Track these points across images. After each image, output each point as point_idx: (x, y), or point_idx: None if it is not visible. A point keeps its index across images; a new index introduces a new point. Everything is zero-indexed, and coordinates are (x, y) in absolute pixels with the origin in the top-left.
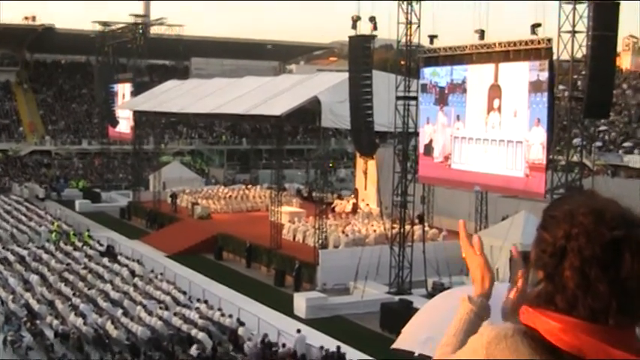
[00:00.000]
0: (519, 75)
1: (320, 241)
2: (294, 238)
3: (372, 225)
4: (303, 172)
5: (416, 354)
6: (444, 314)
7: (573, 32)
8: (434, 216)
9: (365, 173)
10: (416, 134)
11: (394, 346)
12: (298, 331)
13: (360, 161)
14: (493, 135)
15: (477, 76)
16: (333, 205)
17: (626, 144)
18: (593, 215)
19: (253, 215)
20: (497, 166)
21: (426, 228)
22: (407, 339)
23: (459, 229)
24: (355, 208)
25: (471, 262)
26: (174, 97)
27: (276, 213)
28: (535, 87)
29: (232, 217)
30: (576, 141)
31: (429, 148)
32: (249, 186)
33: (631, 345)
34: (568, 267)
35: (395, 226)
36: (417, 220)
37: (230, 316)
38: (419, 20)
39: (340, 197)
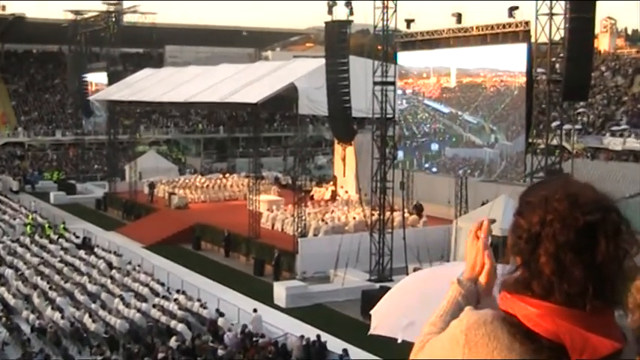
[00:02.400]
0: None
1: (299, 230)
2: (272, 227)
3: (352, 212)
4: (281, 159)
5: (399, 340)
6: (425, 297)
7: (551, 15)
8: (413, 201)
9: (343, 160)
10: (394, 120)
11: (372, 332)
12: (254, 310)
13: (338, 148)
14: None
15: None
16: (311, 193)
17: (616, 127)
18: (567, 200)
19: (231, 204)
20: None
21: (406, 214)
22: (385, 324)
23: (476, 223)
24: (334, 196)
25: (470, 244)
26: (148, 85)
27: (254, 202)
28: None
29: (210, 206)
30: (555, 124)
31: None
32: (227, 175)
33: (609, 330)
34: (543, 253)
35: (374, 212)
36: (413, 211)
37: (208, 306)
38: (395, 4)
39: (319, 185)
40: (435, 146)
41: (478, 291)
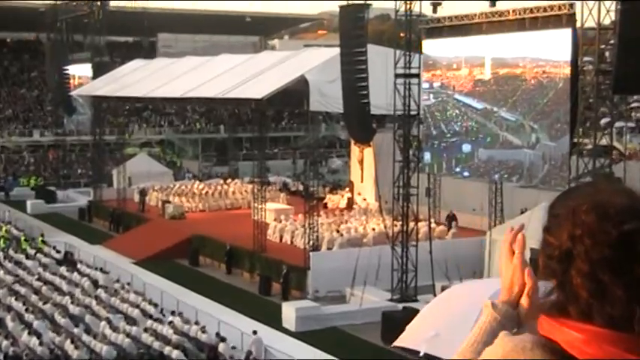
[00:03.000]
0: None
1: (311, 242)
2: (280, 239)
3: (371, 222)
4: (289, 162)
5: (421, 353)
6: (453, 309)
7: None
8: (441, 210)
9: (361, 163)
10: (418, 117)
11: (395, 343)
12: (254, 332)
13: (355, 149)
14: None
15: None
16: (325, 201)
17: None
18: (595, 212)
19: (233, 214)
20: None
21: (433, 224)
22: (410, 336)
23: (507, 232)
24: (351, 204)
25: (505, 261)
26: (139, 79)
27: (259, 211)
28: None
29: (209, 216)
30: (605, 121)
31: None
32: (228, 180)
33: None
34: (576, 274)
35: (397, 223)
36: (446, 222)
37: (207, 330)
38: None
39: (333, 191)
40: (466, 147)
41: (519, 316)
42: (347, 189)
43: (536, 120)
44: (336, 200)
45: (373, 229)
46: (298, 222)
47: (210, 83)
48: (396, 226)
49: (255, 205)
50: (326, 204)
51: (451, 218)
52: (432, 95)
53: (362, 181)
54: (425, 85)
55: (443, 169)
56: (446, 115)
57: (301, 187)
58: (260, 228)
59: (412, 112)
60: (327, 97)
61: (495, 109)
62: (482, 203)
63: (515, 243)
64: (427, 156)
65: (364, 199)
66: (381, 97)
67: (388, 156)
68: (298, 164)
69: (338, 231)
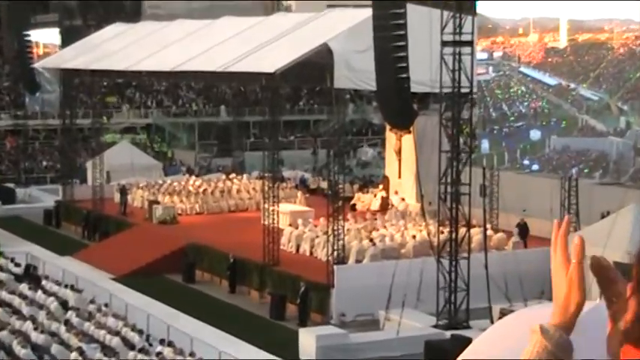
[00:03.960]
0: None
1: (335, 253)
2: (297, 250)
3: (411, 229)
4: (309, 153)
5: None
6: (516, 340)
7: None
8: (499, 214)
9: (398, 154)
10: (472, 96)
11: None
12: None
13: (391, 137)
14: None
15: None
16: (353, 202)
17: None
18: None
19: (238, 217)
20: None
21: (489, 231)
22: None
23: (554, 229)
24: (385, 205)
25: (556, 272)
26: (119, 48)
27: (271, 214)
28: None
29: (208, 220)
30: None
31: None
32: (232, 175)
33: None
34: None
35: (443, 229)
36: (516, 232)
37: None
38: None
39: (363, 189)
40: (535, 134)
41: (571, 343)
42: (381, 186)
43: (625, 99)
44: (368, 201)
45: (414, 237)
46: (319, 228)
47: (209, 54)
48: (442, 233)
49: (266, 206)
50: (354, 205)
51: (522, 228)
52: (490, 68)
53: (399, 177)
54: (481, 56)
55: (505, 161)
56: (509, 92)
57: (323, 185)
58: (272, 235)
59: (464, 90)
60: (356, 71)
61: (573, 85)
62: (551, 204)
63: (575, 249)
64: (484, 145)
65: (402, 200)
66: (425, 71)
67: (433, 145)
68: (320, 155)
69: (370, 239)
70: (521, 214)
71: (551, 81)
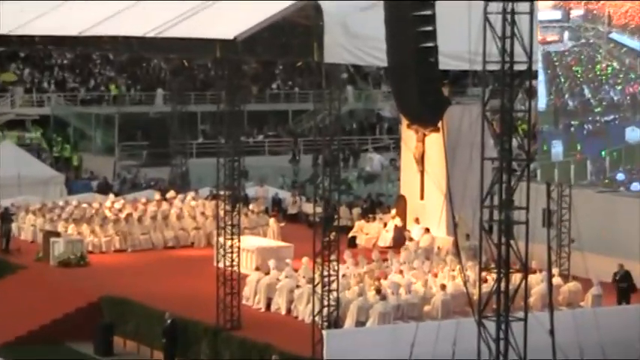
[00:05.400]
0: None
1: (325, 312)
2: (267, 306)
3: (440, 273)
4: (286, 160)
5: None
6: None
7: None
8: (571, 253)
9: (420, 163)
10: (530, 73)
11: None
12: None
13: (409, 137)
14: None
15: None
16: (353, 233)
17: None
18: None
19: (179, 257)
20: None
21: (557, 279)
22: None
23: None
24: (401, 240)
25: None
26: None
27: (229, 252)
28: None
29: (134, 261)
30: None
31: None
32: (171, 194)
33: None
34: None
35: (488, 275)
36: (615, 284)
37: None
38: None
39: (369, 215)
40: (634, 133)
41: None
42: (394, 211)
43: None
44: (374, 232)
45: (443, 288)
46: (301, 273)
47: (135, 11)
48: (486, 281)
49: (221, 240)
50: (355, 239)
51: (624, 279)
52: (566, 34)
53: (422, 198)
54: (550, 15)
55: (586, 174)
56: (593, 70)
57: (307, 208)
58: (230, 284)
59: (519, 67)
60: (357, 37)
61: None
62: None
63: None
64: (555, 149)
65: (426, 231)
66: (459, 39)
67: (472, 150)
68: (302, 164)
69: (377, 290)
70: (609, 255)
71: None
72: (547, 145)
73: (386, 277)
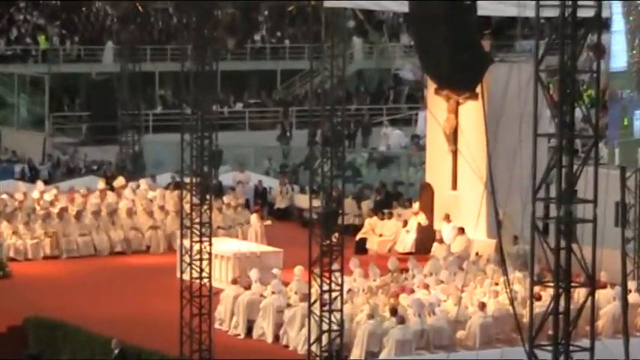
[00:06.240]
0: None
1: (325, 338)
2: (249, 331)
3: (478, 288)
4: (273, 138)
5: None
6: None
7: None
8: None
9: (451, 139)
10: (599, 27)
11: None
12: None
13: (438, 106)
14: None
15: None
16: (362, 235)
17: None
18: None
19: (130, 266)
20: None
21: (633, 294)
22: None
23: None
24: (426, 243)
25: None
26: None
27: (197, 257)
28: None
29: (70, 270)
30: None
31: None
32: (119, 182)
33: None
34: None
35: (542, 289)
36: None
37: None
38: None
39: (383, 211)
40: None
41: None
42: (417, 206)
43: None
44: (390, 233)
45: (482, 307)
46: (294, 287)
47: None
48: (539, 298)
49: (187, 243)
50: (364, 242)
51: None
52: None
53: (454, 187)
54: None
55: None
56: None
57: (302, 201)
58: (198, 302)
59: (584, 13)
60: None
61: None
62: None
63: None
64: (637, 125)
65: (460, 231)
66: None
67: (522, 124)
68: (294, 142)
69: (393, 310)
70: None
71: None
72: (627, 118)
73: (406, 292)
